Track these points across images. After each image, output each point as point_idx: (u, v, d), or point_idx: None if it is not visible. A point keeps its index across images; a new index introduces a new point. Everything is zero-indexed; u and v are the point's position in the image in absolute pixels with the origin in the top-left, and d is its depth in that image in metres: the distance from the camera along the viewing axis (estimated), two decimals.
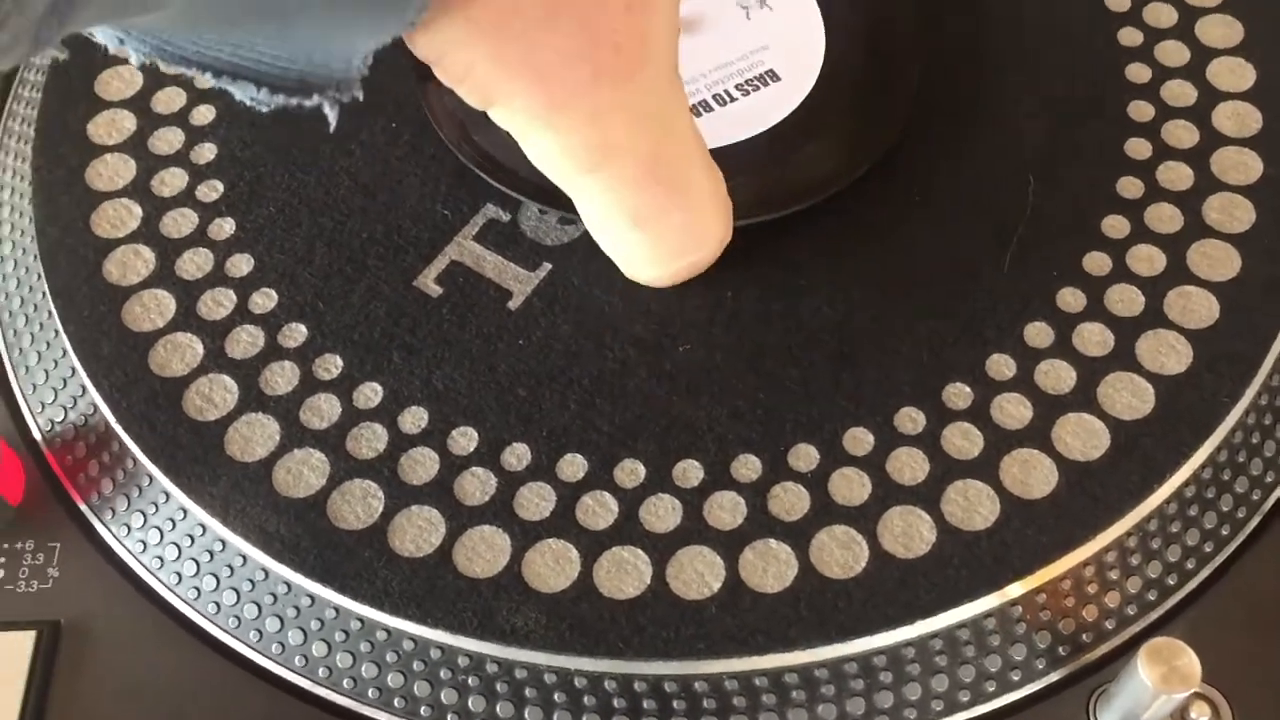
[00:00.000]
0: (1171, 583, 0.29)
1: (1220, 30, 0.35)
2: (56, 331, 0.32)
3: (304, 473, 0.29)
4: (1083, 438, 0.29)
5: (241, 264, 0.33)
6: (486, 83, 0.24)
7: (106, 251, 0.33)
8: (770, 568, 0.28)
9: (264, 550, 0.28)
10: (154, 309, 0.32)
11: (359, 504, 0.29)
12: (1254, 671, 0.27)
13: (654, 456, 0.29)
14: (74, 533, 0.30)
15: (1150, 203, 0.32)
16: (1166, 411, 0.29)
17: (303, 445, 0.30)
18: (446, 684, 0.28)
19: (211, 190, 0.34)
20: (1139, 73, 0.35)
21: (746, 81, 0.34)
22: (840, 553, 0.28)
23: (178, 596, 0.29)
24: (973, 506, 0.28)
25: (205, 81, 0.23)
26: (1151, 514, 0.28)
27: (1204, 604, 0.29)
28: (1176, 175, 0.33)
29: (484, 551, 0.28)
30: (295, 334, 0.31)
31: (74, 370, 0.31)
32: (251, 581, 0.29)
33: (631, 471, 0.29)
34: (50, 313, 0.32)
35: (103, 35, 0.22)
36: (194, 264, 0.33)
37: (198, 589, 0.29)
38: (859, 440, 0.29)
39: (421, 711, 0.28)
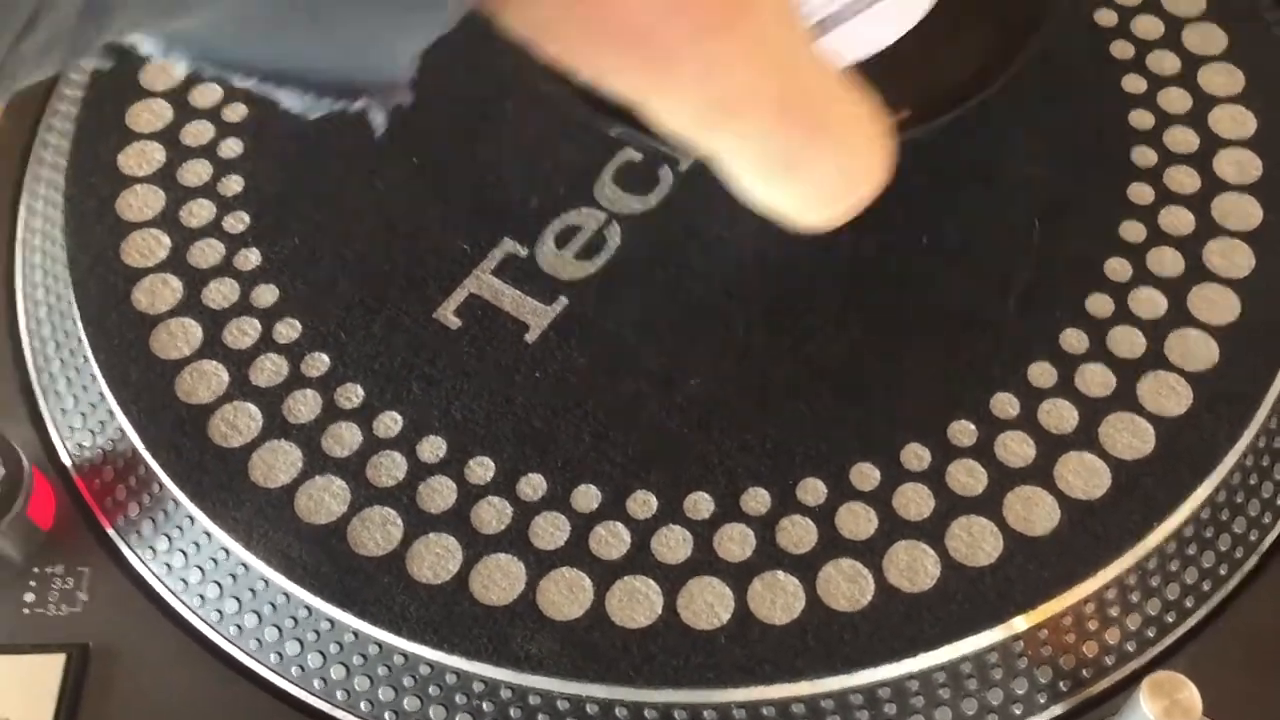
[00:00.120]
0: (1171, 620, 0.29)
1: (1222, 79, 0.36)
2: (86, 358, 0.33)
3: (325, 499, 0.30)
4: (1084, 476, 0.30)
5: (266, 294, 0.33)
6: (582, 54, 0.23)
7: (136, 280, 0.34)
8: (778, 599, 0.28)
9: (285, 575, 0.29)
10: (181, 337, 0.33)
11: (378, 531, 0.30)
12: (1252, 710, 0.28)
13: (666, 488, 0.30)
14: (102, 557, 0.31)
15: (1152, 246, 0.33)
16: (1166, 452, 0.30)
17: (324, 472, 0.31)
18: (461, 708, 0.28)
19: (238, 222, 0.35)
20: (1142, 119, 0.36)
21: None
22: (847, 586, 0.29)
23: (201, 619, 0.30)
24: (976, 542, 0.29)
25: (250, 87, 0.22)
26: (1151, 552, 0.29)
27: (1203, 641, 0.29)
28: (1178, 220, 0.34)
29: (499, 579, 0.29)
30: (318, 363, 0.32)
31: (102, 396, 0.32)
32: (273, 605, 0.30)
33: (644, 503, 0.30)
34: (80, 339, 0.33)
35: (146, 43, 0.21)
36: (220, 293, 0.33)
37: (220, 612, 0.30)
38: (865, 475, 0.30)
39: None
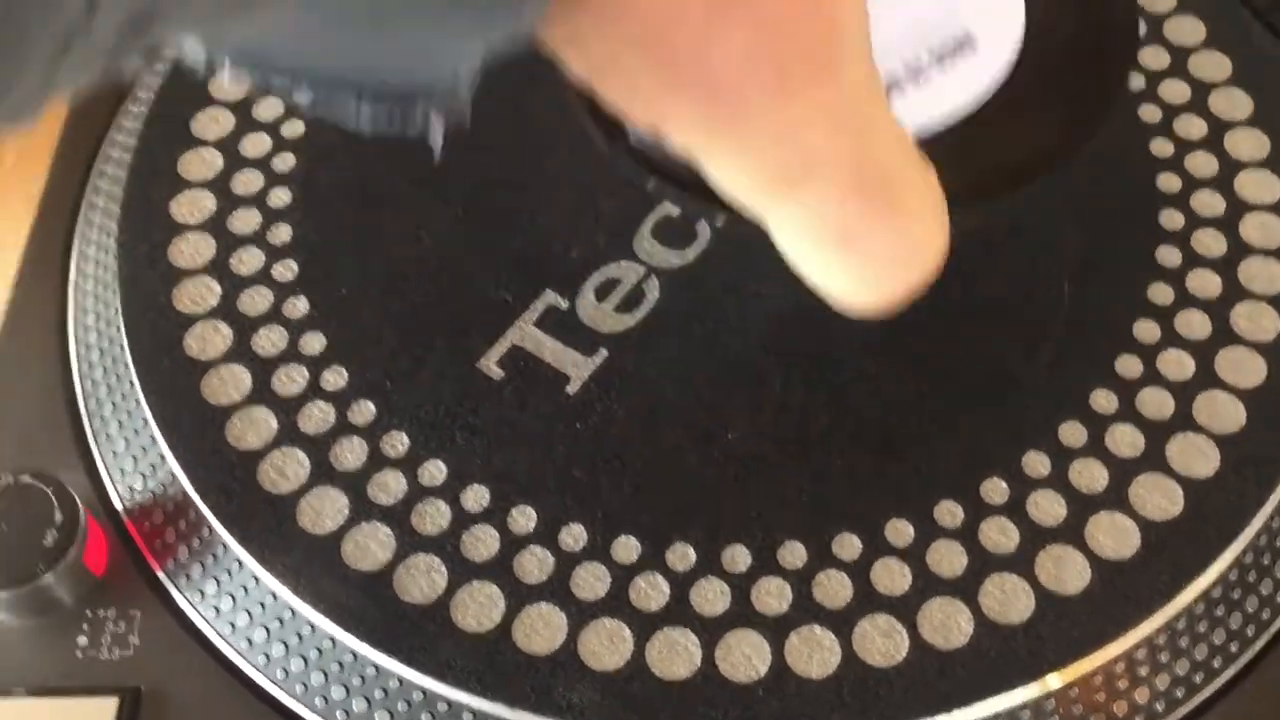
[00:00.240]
0: (1199, 680, 0.30)
1: (1249, 144, 0.37)
2: (138, 402, 0.33)
3: (371, 546, 0.31)
4: (1115, 536, 0.30)
5: (314, 342, 0.34)
6: (645, 99, 0.21)
7: (187, 326, 0.34)
8: (815, 654, 0.29)
9: (332, 620, 0.30)
10: (231, 383, 0.34)
11: (423, 578, 0.30)
12: None
13: (704, 541, 0.31)
14: (153, 600, 0.31)
15: (1180, 309, 0.34)
16: (1195, 514, 0.30)
17: (370, 519, 0.31)
18: None
19: (287, 270, 0.36)
20: (1170, 182, 0.36)
21: (942, 46, 0.30)
22: (882, 641, 0.29)
23: (248, 662, 0.31)
24: (1009, 600, 0.30)
25: (303, 100, 0.21)
26: (1180, 613, 0.30)
27: (1230, 701, 0.30)
28: (1205, 283, 0.34)
29: (542, 629, 0.30)
30: (364, 411, 0.33)
31: (154, 440, 0.33)
32: (319, 650, 0.30)
33: (683, 555, 0.31)
34: (133, 384, 0.34)
35: (193, 53, 0.20)
36: (269, 340, 0.34)
37: (267, 655, 0.31)
38: (900, 531, 0.31)
39: None
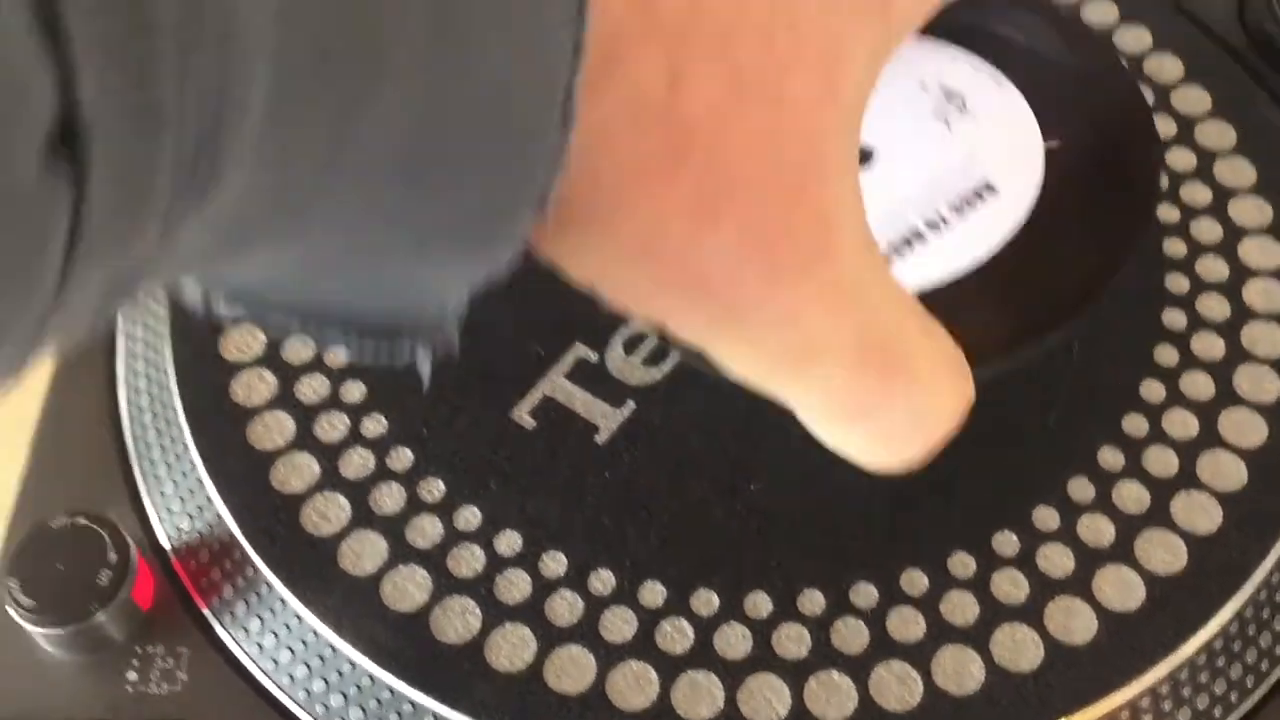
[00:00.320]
0: None
1: (1252, 211, 0.39)
2: (186, 446, 0.35)
3: (409, 588, 0.32)
4: (1121, 589, 0.32)
5: (354, 390, 0.36)
6: (644, 302, 0.21)
7: (233, 374, 0.36)
8: (832, 698, 0.30)
9: (371, 658, 0.31)
10: (275, 429, 0.35)
11: (458, 619, 0.32)
12: None
13: (727, 587, 0.32)
14: (198, 637, 0.33)
15: (1185, 370, 0.35)
16: (1198, 568, 0.32)
17: (408, 562, 0.33)
18: None
19: None
20: (1175, 248, 0.38)
21: (960, 198, 0.30)
22: (897, 687, 0.30)
23: (289, 697, 0.32)
24: (1020, 649, 0.31)
25: (290, 329, 0.21)
26: (1183, 664, 0.31)
27: None
28: (1210, 346, 0.36)
29: (572, 670, 0.31)
30: (402, 457, 0.35)
31: (201, 483, 0.34)
32: (358, 687, 0.32)
33: (707, 601, 0.32)
34: (181, 428, 0.35)
35: (190, 292, 0.21)
36: (311, 389, 0.36)
37: (308, 690, 0.32)
38: (915, 581, 0.32)
39: None
